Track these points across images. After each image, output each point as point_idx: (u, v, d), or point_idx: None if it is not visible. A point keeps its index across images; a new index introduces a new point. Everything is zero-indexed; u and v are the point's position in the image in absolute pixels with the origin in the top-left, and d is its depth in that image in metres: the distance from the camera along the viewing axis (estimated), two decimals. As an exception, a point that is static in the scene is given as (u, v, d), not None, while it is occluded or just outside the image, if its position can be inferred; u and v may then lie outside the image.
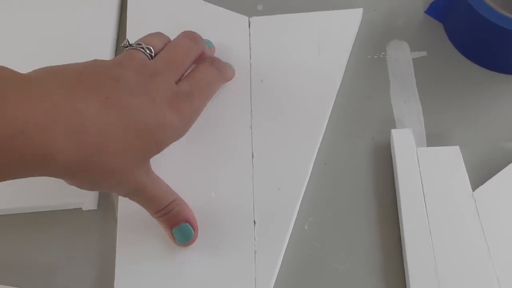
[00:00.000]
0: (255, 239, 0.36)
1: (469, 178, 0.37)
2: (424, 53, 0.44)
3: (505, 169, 0.37)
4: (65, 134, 0.28)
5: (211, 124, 0.41)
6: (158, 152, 0.34)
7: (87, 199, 0.39)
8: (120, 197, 0.39)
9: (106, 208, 0.40)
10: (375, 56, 0.44)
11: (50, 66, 0.31)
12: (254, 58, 0.44)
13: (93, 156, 0.30)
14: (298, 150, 0.40)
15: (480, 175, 0.38)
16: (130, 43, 0.36)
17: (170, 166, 0.39)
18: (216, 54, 0.43)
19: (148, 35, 0.38)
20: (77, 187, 0.32)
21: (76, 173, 0.30)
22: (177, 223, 0.36)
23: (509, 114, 0.41)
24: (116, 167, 0.31)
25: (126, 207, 0.38)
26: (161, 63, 0.35)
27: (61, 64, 0.31)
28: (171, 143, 0.35)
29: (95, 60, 0.33)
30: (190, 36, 0.39)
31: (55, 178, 0.31)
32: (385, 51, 0.44)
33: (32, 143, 0.27)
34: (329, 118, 0.41)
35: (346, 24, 0.45)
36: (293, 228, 0.37)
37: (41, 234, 0.39)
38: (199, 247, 0.36)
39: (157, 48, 0.36)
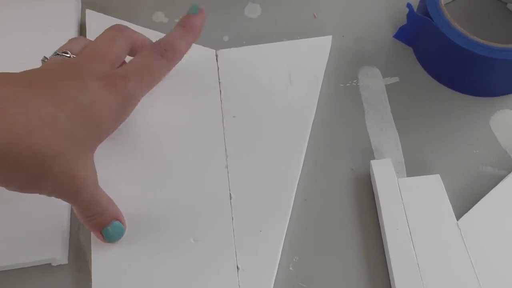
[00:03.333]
0: (239, 286, 0.35)
1: (452, 206, 0.37)
2: (396, 79, 0.44)
3: (487, 195, 0.37)
4: None
5: (185, 166, 0.39)
6: (99, 138, 0.33)
7: (56, 254, 0.36)
8: (92, 247, 0.37)
9: (78, 261, 0.37)
10: (348, 84, 0.43)
11: None
12: (225, 92, 0.42)
13: (22, 136, 0.27)
14: (277, 187, 0.38)
15: (462, 202, 0.38)
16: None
17: (145, 213, 0.37)
18: (185, 90, 0.42)
19: (67, 42, 0.36)
20: (20, 187, 0.30)
21: (8, 162, 0.27)
22: (108, 223, 0.35)
23: (484, 137, 0.41)
24: (56, 152, 0.29)
25: (100, 258, 0.36)
26: (82, 56, 0.34)
27: None
28: (110, 129, 0.33)
29: None
30: (113, 28, 0.37)
31: (17, 234, 0.30)
32: (357, 79, 0.44)
33: None
34: (306, 151, 0.40)
35: (316, 53, 0.44)
36: (277, 269, 0.36)
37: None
38: (181, 299, 0.35)
39: (74, 50, 0.35)
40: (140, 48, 0.37)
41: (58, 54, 0.35)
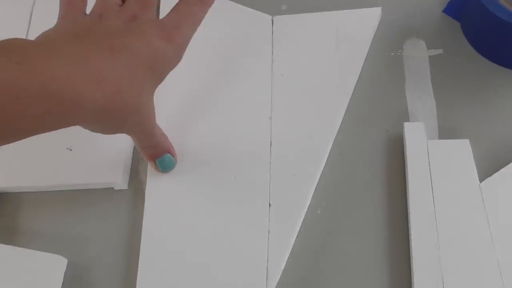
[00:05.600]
0: (269, 220, 0.39)
1: (478, 171, 0.39)
2: (440, 51, 0.46)
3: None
4: (86, 81, 0.31)
5: (234, 113, 0.44)
6: (159, 83, 0.38)
7: (118, 180, 0.42)
8: (148, 177, 0.42)
9: (136, 188, 0.43)
10: (392, 54, 0.46)
11: (47, 33, 0.35)
12: (276, 53, 0.46)
13: (115, 98, 0.33)
14: (314, 140, 0.42)
15: (488, 168, 0.39)
16: None
17: (195, 151, 0.42)
18: (240, 49, 0.46)
19: None
20: (105, 132, 0.37)
21: (104, 117, 0.34)
22: (161, 154, 0.40)
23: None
24: (135, 106, 0.35)
25: (153, 187, 0.41)
26: (134, 5, 0.38)
27: None
28: (167, 75, 0.38)
29: (75, 20, 0.37)
30: None
31: (90, 160, 0.38)
32: (402, 49, 0.46)
33: (64, 89, 0.30)
34: (346, 110, 0.43)
35: (365, 23, 0.47)
36: (307, 211, 0.40)
37: (77, 210, 0.42)
38: (218, 226, 0.39)
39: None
40: None
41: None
